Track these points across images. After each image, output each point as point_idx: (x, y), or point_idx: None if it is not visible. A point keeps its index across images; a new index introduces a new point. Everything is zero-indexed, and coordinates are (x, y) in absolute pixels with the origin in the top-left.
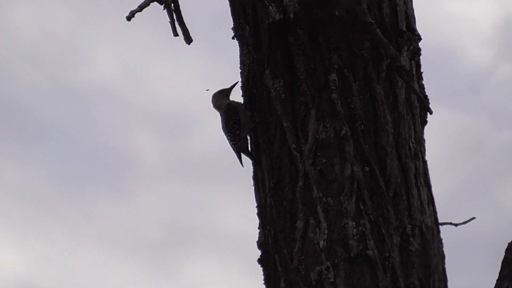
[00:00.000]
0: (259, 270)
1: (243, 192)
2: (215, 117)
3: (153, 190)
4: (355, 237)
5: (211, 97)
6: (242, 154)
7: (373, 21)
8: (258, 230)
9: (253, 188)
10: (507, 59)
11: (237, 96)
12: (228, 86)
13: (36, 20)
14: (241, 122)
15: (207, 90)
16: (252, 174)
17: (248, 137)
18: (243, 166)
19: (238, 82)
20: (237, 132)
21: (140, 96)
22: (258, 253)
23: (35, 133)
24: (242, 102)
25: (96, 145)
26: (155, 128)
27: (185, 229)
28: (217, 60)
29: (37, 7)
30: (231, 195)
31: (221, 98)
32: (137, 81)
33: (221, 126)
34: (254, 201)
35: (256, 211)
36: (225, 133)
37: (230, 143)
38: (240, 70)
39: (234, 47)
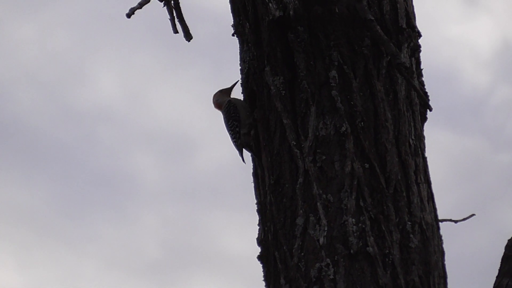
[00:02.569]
0: None
1: (244, 213)
2: (216, 138)
3: (154, 212)
4: (355, 234)
5: (212, 96)
6: (244, 150)
7: (373, 18)
8: (258, 227)
9: (253, 185)
10: (506, 81)
11: (237, 93)
12: (228, 86)
13: (39, 42)
14: (241, 118)
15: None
16: (252, 171)
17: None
18: (245, 163)
19: (238, 80)
20: (237, 129)
21: (142, 117)
22: (259, 274)
23: (37, 154)
24: (242, 99)
25: (98, 166)
26: (157, 149)
27: (187, 251)
28: (218, 75)
29: (39, 28)
30: (233, 217)
31: (221, 97)
32: (139, 102)
33: (224, 124)
34: (256, 223)
35: (256, 208)
36: (227, 130)
37: (231, 140)
38: (240, 67)
39: (234, 49)
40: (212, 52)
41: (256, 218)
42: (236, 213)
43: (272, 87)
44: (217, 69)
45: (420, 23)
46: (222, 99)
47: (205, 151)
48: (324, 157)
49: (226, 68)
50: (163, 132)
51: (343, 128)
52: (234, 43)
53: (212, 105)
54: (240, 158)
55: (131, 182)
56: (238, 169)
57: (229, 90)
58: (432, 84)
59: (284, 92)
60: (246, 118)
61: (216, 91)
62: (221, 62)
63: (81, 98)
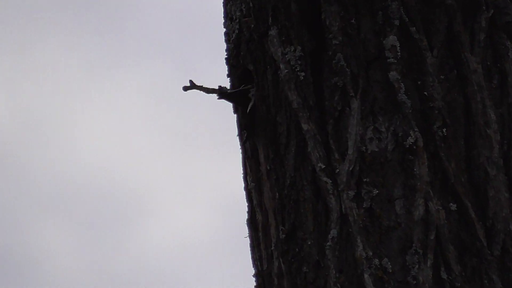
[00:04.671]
0: None
1: None
2: (170, 201)
3: None
4: None
5: None
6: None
7: None
8: None
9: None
10: None
11: (221, 78)
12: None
13: None
14: None
15: (186, 87)
16: (247, 217)
17: None
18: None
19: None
20: None
21: (49, 164)
22: None
23: None
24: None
25: None
26: (73, 218)
27: None
28: None
29: None
30: None
31: None
32: (42, 138)
33: None
34: None
35: (255, 285)
36: None
37: None
38: (224, 30)
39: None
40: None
41: None
42: None
43: (281, 65)
44: (173, 74)
45: None
46: None
47: (151, 222)
48: (375, 192)
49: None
50: (83, 189)
51: (410, 139)
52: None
53: None
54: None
55: (32, 268)
56: (205, 247)
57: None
58: None
59: (303, 74)
60: None
61: None
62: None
63: None
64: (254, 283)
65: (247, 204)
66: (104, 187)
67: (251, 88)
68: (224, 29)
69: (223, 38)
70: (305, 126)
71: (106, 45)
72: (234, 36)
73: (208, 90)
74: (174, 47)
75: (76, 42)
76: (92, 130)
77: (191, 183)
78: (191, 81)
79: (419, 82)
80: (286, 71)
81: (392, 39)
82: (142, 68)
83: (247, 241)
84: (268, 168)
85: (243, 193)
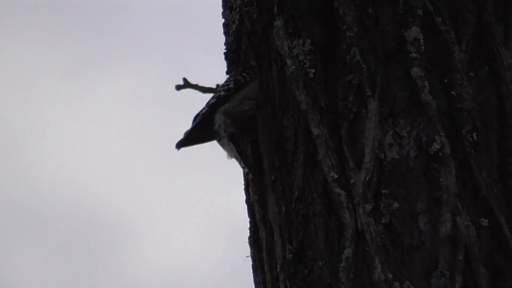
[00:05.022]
0: None
1: None
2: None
3: None
4: None
5: None
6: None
7: None
8: None
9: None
10: None
11: (218, 76)
12: None
13: None
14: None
15: (180, 86)
16: (249, 235)
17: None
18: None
19: None
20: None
21: (26, 185)
22: None
23: None
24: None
25: None
26: (50, 246)
27: None
28: None
29: None
30: None
31: None
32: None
33: None
34: None
35: None
36: None
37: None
38: (223, 20)
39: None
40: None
41: None
42: None
43: (288, 61)
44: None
45: None
46: None
47: (139, 246)
48: (395, 205)
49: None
50: (61, 209)
51: (436, 145)
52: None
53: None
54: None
55: None
56: (201, 272)
57: None
58: None
59: (313, 70)
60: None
61: None
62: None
63: None
64: None
65: (248, 220)
66: (86, 206)
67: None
68: (223, 20)
69: (216, 35)
70: (315, 130)
71: (83, 46)
72: (234, 27)
73: (205, 89)
74: (163, 46)
75: (50, 43)
76: (71, 141)
77: (184, 199)
78: (185, 79)
79: (445, 80)
80: (293, 67)
81: (414, 31)
82: (126, 70)
83: (249, 261)
84: (273, 178)
85: (243, 209)
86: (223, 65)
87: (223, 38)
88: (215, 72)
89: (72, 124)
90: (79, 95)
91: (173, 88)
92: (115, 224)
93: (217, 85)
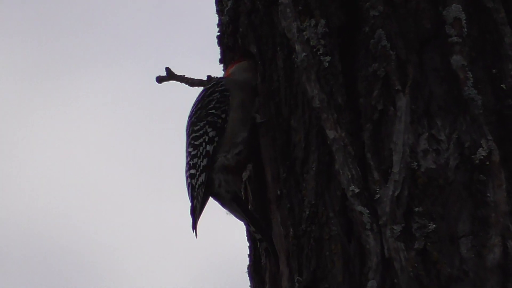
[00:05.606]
0: None
1: None
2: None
3: None
4: None
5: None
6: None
7: None
8: None
9: None
10: None
11: (212, 66)
12: None
13: None
14: (227, 129)
15: (161, 78)
16: (248, 263)
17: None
18: (196, 237)
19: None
20: (207, 148)
21: None
22: None
23: None
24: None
25: None
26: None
27: None
28: None
29: None
30: None
31: (241, 70)
32: None
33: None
34: None
35: None
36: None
37: (187, 177)
38: None
39: None
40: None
41: None
42: None
43: (297, 46)
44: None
45: None
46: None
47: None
48: (431, 226)
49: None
50: (25, 240)
51: (482, 151)
52: None
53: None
54: (192, 227)
55: None
56: None
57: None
58: None
59: (328, 59)
60: (239, 127)
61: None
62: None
63: None
64: None
65: (248, 245)
66: (55, 238)
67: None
68: None
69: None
70: (331, 133)
71: (50, 48)
72: (229, 4)
73: (193, 82)
74: (142, 45)
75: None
76: (38, 159)
77: (171, 225)
78: (168, 69)
79: (493, 71)
80: (304, 54)
81: (455, 9)
82: (101, 73)
83: None
84: (279, 193)
85: (240, 238)
86: (215, 53)
87: (215, 19)
88: (206, 63)
89: (38, 136)
90: (44, 103)
91: (155, 85)
92: (92, 255)
93: (209, 77)
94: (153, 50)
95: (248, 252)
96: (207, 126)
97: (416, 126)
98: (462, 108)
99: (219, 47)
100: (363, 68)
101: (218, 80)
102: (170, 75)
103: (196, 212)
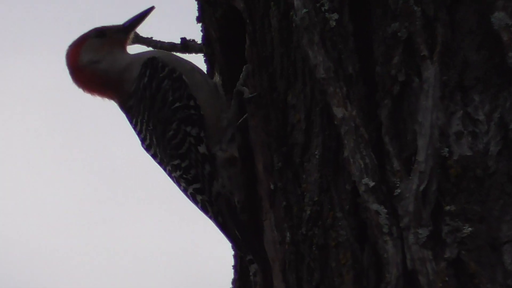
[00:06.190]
0: None
1: None
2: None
3: None
4: None
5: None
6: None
7: None
8: None
9: None
10: None
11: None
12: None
13: None
14: (206, 116)
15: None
16: (232, 277)
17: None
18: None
19: (152, 7)
20: (197, 150)
21: None
22: None
23: None
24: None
25: None
26: None
27: None
28: None
29: None
30: None
31: (106, 52)
32: None
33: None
34: None
35: None
36: (163, 162)
37: (192, 200)
38: None
39: None
40: None
41: None
42: None
43: (296, 1)
44: None
45: None
46: (109, 59)
47: None
48: (467, 230)
49: None
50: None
51: None
52: None
53: (73, 80)
54: (234, 248)
55: None
56: None
57: (128, 31)
58: None
59: (335, 16)
60: (216, 106)
61: (87, 34)
62: None
63: None
64: None
65: (232, 253)
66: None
67: None
68: None
69: None
70: (339, 112)
71: None
72: None
73: (163, 46)
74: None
75: None
76: None
77: (143, 247)
78: (134, 33)
79: None
80: (304, 10)
81: None
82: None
83: None
84: (273, 187)
85: (222, 244)
86: (192, 10)
87: None
88: (179, 22)
89: None
90: None
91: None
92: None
93: (183, 39)
94: (110, 3)
95: (232, 263)
96: (182, 125)
97: (447, 103)
98: (506, 80)
99: (196, 2)
100: (380, 29)
101: (151, 62)
102: (136, 39)
103: (229, 229)
